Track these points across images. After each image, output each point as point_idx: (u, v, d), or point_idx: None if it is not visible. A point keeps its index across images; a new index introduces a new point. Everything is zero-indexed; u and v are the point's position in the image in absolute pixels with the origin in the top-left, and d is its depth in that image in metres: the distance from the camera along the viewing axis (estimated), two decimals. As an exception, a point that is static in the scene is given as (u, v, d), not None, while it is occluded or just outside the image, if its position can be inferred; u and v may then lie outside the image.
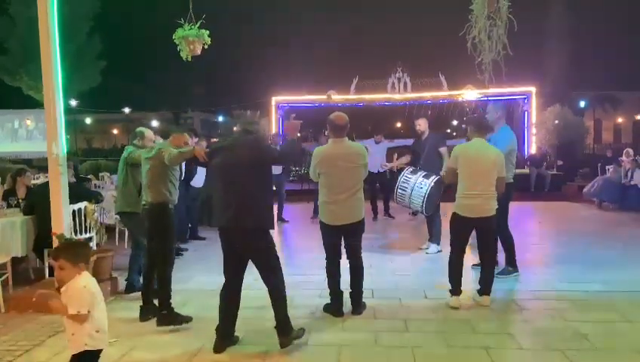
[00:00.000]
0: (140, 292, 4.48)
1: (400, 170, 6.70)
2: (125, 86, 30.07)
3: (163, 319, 4.04)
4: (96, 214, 5.80)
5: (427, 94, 15.44)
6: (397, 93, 15.51)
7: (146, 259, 4.43)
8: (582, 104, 30.23)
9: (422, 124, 6.73)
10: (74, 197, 5.25)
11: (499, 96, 15.10)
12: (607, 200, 10.76)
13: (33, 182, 7.92)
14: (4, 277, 4.93)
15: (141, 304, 4.28)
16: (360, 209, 4.29)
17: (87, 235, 5.51)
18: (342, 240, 4.33)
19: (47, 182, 5.09)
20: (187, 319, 4.08)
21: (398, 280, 5.37)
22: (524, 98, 15.48)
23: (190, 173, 6.90)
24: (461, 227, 4.53)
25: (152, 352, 3.63)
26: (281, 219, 9.07)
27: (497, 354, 3.51)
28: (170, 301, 4.09)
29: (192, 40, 5.30)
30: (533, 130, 15.20)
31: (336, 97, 15.62)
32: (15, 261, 5.39)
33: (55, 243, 4.80)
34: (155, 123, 35.53)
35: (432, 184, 6.07)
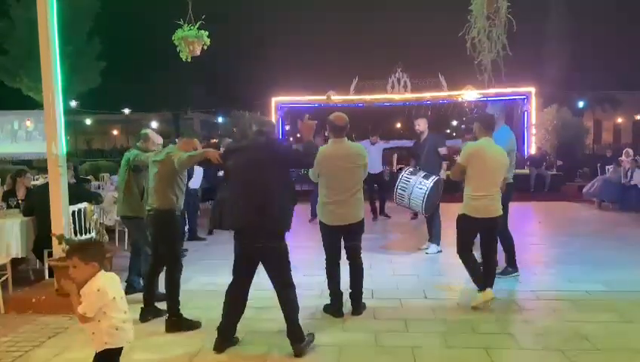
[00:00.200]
0: (138, 293, 4.47)
1: (400, 170, 6.70)
2: (125, 87, 30.02)
3: (173, 325, 4.01)
4: (95, 215, 5.80)
5: (427, 95, 15.43)
6: (396, 94, 15.51)
7: (149, 263, 4.39)
8: (581, 104, 30.23)
9: (421, 124, 6.73)
10: (74, 198, 5.25)
11: (498, 96, 15.10)
12: (606, 201, 10.76)
13: (33, 183, 7.91)
14: (3, 278, 4.93)
15: (142, 306, 4.26)
16: (360, 209, 4.29)
17: (87, 236, 5.50)
18: (342, 241, 4.33)
19: (47, 183, 5.08)
20: (197, 325, 4.06)
21: (398, 280, 5.37)
22: (524, 98, 15.48)
23: (188, 175, 6.88)
24: (470, 228, 4.48)
25: (152, 353, 3.63)
26: None
27: (497, 354, 3.50)
28: (179, 307, 4.06)
29: (191, 41, 5.29)
30: (533, 131, 15.20)
31: (336, 98, 15.61)
32: (15, 262, 5.39)
33: (55, 244, 4.80)
34: (154, 124, 35.56)
35: (432, 184, 6.06)
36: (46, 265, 5.36)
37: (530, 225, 9.08)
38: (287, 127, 16.98)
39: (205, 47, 5.43)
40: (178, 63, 5.58)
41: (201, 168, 7.01)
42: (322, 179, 4.24)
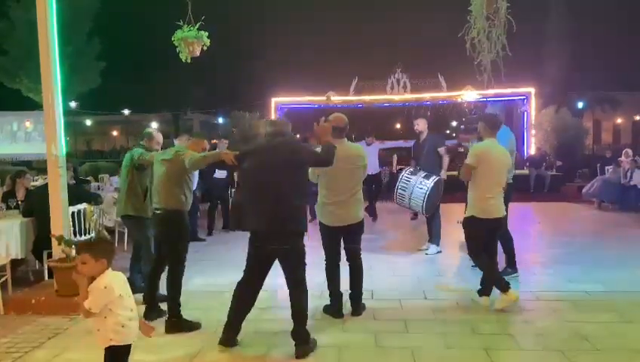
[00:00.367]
0: (139, 293, 4.46)
1: (400, 170, 6.71)
2: (125, 87, 30.02)
3: (173, 326, 3.99)
4: (95, 216, 5.79)
5: (426, 95, 15.44)
6: (396, 94, 15.52)
7: (151, 263, 4.35)
8: (581, 105, 30.25)
9: (420, 124, 6.73)
10: (73, 199, 5.24)
11: (498, 96, 15.11)
12: (606, 201, 10.76)
13: (32, 184, 7.91)
14: (3, 279, 4.92)
15: (145, 306, 4.22)
16: (360, 210, 4.29)
17: (87, 237, 5.50)
18: (341, 242, 4.33)
19: (47, 184, 5.08)
20: (197, 326, 4.05)
21: (397, 281, 5.37)
22: (523, 99, 15.49)
23: None
24: (481, 230, 4.45)
25: (152, 353, 3.62)
26: None
27: (497, 354, 3.50)
28: (180, 308, 4.05)
29: (191, 41, 5.29)
30: (532, 131, 15.21)
31: (336, 98, 15.62)
32: (14, 263, 5.38)
33: (54, 245, 4.80)
34: (154, 124, 35.54)
35: (432, 184, 6.06)
36: (45, 266, 5.36)
37: (530, 226, 9.08)
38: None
39: (205, 48, 5.43)
40: (178, 64, 5.58)
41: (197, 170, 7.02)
42: (322, 180, 4.23)
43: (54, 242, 4.78)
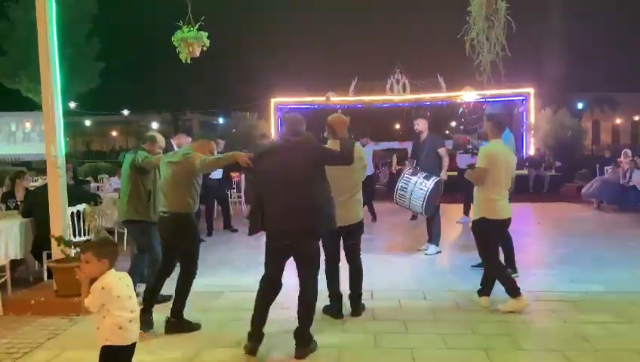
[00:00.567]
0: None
1: (399, 171, 6.71)
2: (124, 88, 30.05)
3: (173, 326, 3.97)
4: (95, 216, 5.78)
5: (426, 95, 15.46)
6: (396, 95, 15.53)
7: (159, 268, 4.20)
8: (580, 105, 30.31)
9: (420, 124, 6.73)
10: (72, 200, 5.24)
11: (497, 97, 15.12)
12: (605, 201, 10.77)
13: (32, 184, 7.91)
14: (2, 280, 4.93)
15: (144, 313, 3.99)
16: (359, 210, 4.30)
17: (86, 238, 5.49)
18: (341, 242, 4.33)
19: (46, 185, 5.08)
20: (196, 327, 4.04)
21: (397, 281, 5.37)
22: (523, 99, 15.50)
23: None
24: (494, 231, 4.44)
25: (151, 354, 3.62)
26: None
27: (497, 355, 3.50)
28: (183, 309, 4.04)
29: (190, 42, 5.29)
30: (532, 132, 15.22)
31: (335, 99, 15.63)
32: (14, 263, 5.38)
33: (54, 245, 4.80)
34: (154, 125, 35.56)
35: (433, 185, 6.06)
36: (45, 267, 5.36)
37: (530, 226, 9.09)
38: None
39: (205, 49, 5.43)
40: (177, 64, 5.57)
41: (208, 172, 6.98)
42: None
43: (54, 243, 4.78)
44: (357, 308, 4.34)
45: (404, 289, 5.03)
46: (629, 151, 11.10)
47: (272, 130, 16.08)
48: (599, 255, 6.41)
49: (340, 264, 4.33)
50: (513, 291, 4.33)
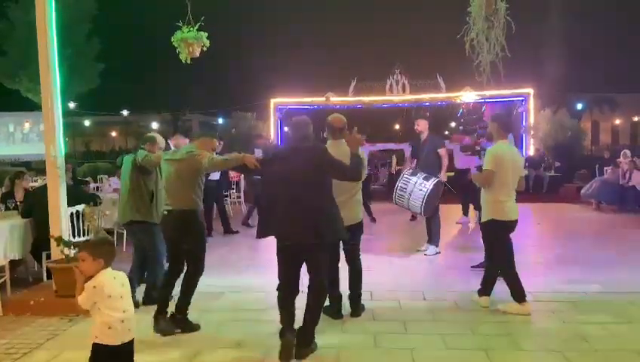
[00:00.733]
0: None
1: (399, 171, 6.71)
2: (124, 88, 30.09)
3: (176, 323, 3.95)
4: (95, 217, 5.78)
5: (425, 96, 15.46)
6: (395, 95, 15.53)
7: (168, 268, 4.14)
8: (579, 106, 30.34)
9: (421, 125, 6.74)
10: (72, 200, 5.23)
11: (497, 97, 15.13)
12: (604, 202, 10.77)
13: (31, 184, 7.90)
14: (1, 280, 4.92)
15: (158, 315, 3.97)
16: (359, 211, 4.30)
17: (85, 238, 5.48)
18: (340, 242, 4.32)
19: (46, 185, 5.07)
20: (195, 327, 4.03)
21: (396, 281, 5.37)
22: (522, 100, 15.51)
23: None
24: (504, 233, 4.42)
25: (150, 355, 3.61)
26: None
27: (496, 355, 3.51)
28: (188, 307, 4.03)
29: (190, 42, 5.29)
30: (531, 132, 15.22)
31: (335, 99, 15.63)
32: (13, 264, 5.37)
33: (53, 246, 4.79)
34: (154, 125, 35.55)
35: (432, 186, 6.07)
36: (44, 267, 5.35)
37: (529, 227, 9.09)
38: (286, 129, 16.99)
39: (205, 49, 5.43)
40: (177, 64, 5.57)
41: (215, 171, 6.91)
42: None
43: (53, 243, 4.77)
44: (356, 308, 4.34)
45: (404, 290, 5.03)
46: (628, 152, 11.11)
47: (272, 130, 16.08)
48: (598, 255, 6.42)
49: (340, 264, 4.33)
50: (519, 296, 4.31)
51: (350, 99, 15.70)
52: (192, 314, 4.19)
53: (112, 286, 2.70)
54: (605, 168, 12.22)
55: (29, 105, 20.20)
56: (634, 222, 9.13)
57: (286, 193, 3.45)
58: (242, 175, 10.10)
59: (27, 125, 18.98)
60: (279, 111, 16.39)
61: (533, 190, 12.86)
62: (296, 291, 3.63)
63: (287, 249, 3.53)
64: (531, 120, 15.21)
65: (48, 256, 5.12)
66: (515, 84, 14.45)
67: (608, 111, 36.19)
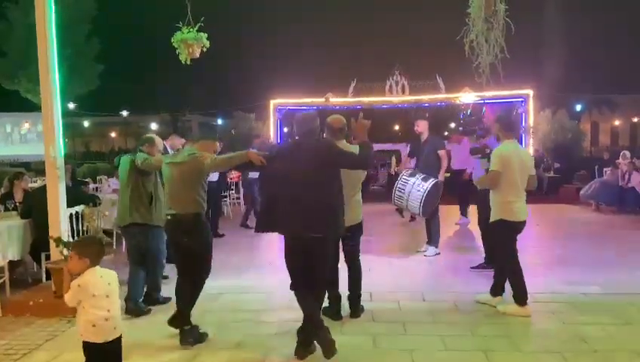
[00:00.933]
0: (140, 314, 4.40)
1: (398, 172, 6.72)
2: (123, 88, 30.08)
3: (181, 319, 3.90)
4: (94, 217, 5.77)
5: (425, 97, 15.46)
6: (395, 96, 15.54)
7: (179, 273, 4.01)
8: (579, 107, 30.35)
9: (421, 126, 6.74)
10: (71, 201, 5.22)
11: (496, 98, 15.13)
12: (604, 203, 10.78)
13: (31, 185, 7.89)
14: (1, 281, 4.92)
15: (184, 327, 3.84)
16: (359, 211, 4.30)
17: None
18: (340, 243, 4.32)
19: (45, 186, 5.06)
20: (204, 337, 3.94)
21: (396, 282, 5.37)
22: (522, 101, 15.52)
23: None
24: (512, 233, 4.42)
25: (149, 356, 3.62)
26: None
27: (496, 356, 3.51)
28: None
29: (190, 43, 5.29)
30: (531, 133, 15.23)
31: (334, 100, 15.64)
32: (12, 264, 5.37)
33: (52, 246, 4.79)
34: (153, 126, 35.54)
35: (430, 187, 6.07)
36: (43, 268, 5.35)
37: (528, 227, 9.07)
38: (286, 130, 17.00)
39: (204, 50, 5.43)
40: (177, 65, 5.56)
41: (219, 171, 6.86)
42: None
43: (52, 244, 4.77)
44: (356, 309, 4.34)
45: (404, 291, 5.03)
46: (627, 153, 11.11)
47: (271, 131, 16.08)
48: (598, 256, 6.42)
49: (339, 265, 4.32)
50: (521, 299, 4.31)
51: (350, 99, 15.71)
52: (192, 315, 4.19)
53: (98, 285, 2.76)
54: (605, 169, 12.23)
55: (29, 105, 20.20)
56: (633, 223, 9.13)
57: (293, 188, 3.41)
58: (242, 175, 10.10)
59: (26, 126, 18.97)
60: (279, 112, 16.39)
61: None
62: (311, 286, 3.53)
63: (294, 243, 3.48)
64: (531, 121, 15.21)
65: (47, 257, 5.11)
66: (514, 85, 14.46)
67: (608, 112, 36.22)
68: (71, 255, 2.82)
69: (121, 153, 6.12)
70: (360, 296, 4.38)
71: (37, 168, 16.43)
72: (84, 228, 5.53)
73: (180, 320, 3.84)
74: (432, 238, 6.63)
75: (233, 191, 11.22)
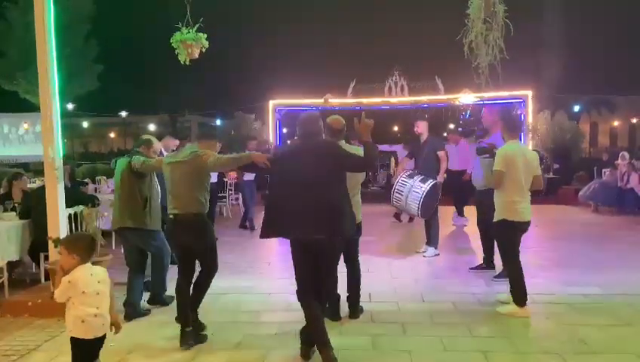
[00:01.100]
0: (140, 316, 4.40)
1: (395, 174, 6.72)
2: (123, 89, 30.04)
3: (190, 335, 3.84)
4: (93, 218, 5.75)
5: (424, 98, 15.47)
6: (394, 97, 15.54)
7: (180, 275, 3.95)
8: (577, 108, 30.36)
9: (421, 126, 6.74)
10: (70, 201, 5.21)
11: (495, 99, 15.13)
12: (603, 204, 10.78)
13: (29, 186, 7.88)
14: (-1, 282, 4.91)
15: (182, 328, 3.80)
16: (358, 212, 4.29)
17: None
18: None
19: (44, 186, 5.06)
20: (204, 338, 3.93)
21: (395, 283, 5.37)
22: (521, 102, 15.53)
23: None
24: (515, 234, 4.42)
25: (149, 357, 3.61)
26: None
27: (495, 357, 3.50)
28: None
29: (189, 44, 5.29)
30: (530, 134, 15.24)
31: (334, 101, 15.64)
32: (11, 265, 5.36)
33: (51, 247, 4.78)
34: (152, 126, 35.52)
35: (428, 188, 6.07)
36: (42, 269, 5.34)
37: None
38: (285, 130, 16.99)
39: (204, 50, 5.43)
40: (176, 65, 5.56)
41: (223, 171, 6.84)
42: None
43: (51, 244, 4.76)
44: (355, 310, 4.33)
45: (403, 292, 5.03)
46: (626, 154, 11.13)
47: (270, 131, 16.08)
48: (597, 257, 6.43)
49: (339, 266, 4.32)
50: (520, 300, 4.31)
51: (349, 100, 15.71)
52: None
53: (88, 282, 2.78)
54: (604, 170, 12.24)
55: (27, 106, 20.17)
56: (632, 224, 9.14)
57: (298, 190, 3.36)
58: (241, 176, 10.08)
59: (24, 126, 18.95)
60: (278, 113, 16.39)
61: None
62: (319, 294, 3.50)
63: (303, 247, 3.44)
64: (530, 122, 15.22)
65: (46, 258, 5.11)
66: (513, 86, 14.47)
67: (607, 113, 36.26)
68: (61, 251, 2.87)
69: (119, 155, 6.09)
70: (359, 296, 4.37)
71: (36, 169, 16.41)
72: (83, 229, 5.52)
73: (182, 319, 3.82)
74: (432, 239, 6.62)
75: (232, 192, 11.22)
